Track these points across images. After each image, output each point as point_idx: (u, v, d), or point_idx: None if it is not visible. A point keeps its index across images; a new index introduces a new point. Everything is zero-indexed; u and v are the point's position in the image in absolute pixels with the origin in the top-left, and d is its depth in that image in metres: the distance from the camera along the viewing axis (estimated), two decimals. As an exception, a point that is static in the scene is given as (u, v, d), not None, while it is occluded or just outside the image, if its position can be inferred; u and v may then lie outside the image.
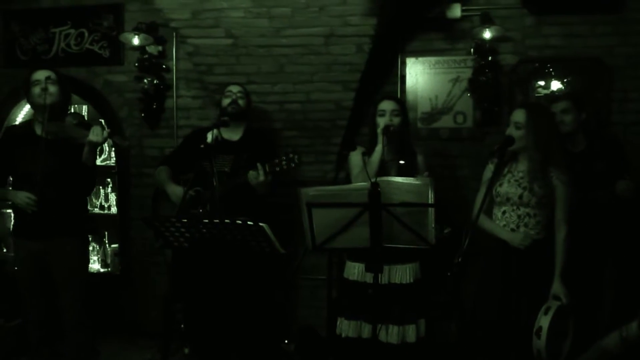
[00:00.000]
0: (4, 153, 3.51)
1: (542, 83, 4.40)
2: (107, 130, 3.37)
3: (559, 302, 2.99)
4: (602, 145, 3.70)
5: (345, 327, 3.39)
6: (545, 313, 2.91)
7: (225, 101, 3.86)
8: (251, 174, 3.45)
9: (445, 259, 3.02)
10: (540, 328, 2.87)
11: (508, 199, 3.19)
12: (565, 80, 4.37)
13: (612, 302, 3.73)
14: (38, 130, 3.40)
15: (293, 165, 3.40)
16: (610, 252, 3.73)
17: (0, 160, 3.53)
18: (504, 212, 3.22)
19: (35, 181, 3.27)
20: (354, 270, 3.40)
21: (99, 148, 3.93)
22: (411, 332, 3.30)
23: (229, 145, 3.82)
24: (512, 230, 3.17)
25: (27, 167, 3.34)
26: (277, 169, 3.41)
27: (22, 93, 3.59)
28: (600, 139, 3.76)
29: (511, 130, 3.17)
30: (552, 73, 4.39)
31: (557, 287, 3.05)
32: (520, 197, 3.15)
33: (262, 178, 3.42)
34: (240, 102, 3.86)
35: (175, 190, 3.70)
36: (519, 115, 3.17)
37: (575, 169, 3.35)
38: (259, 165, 3.42)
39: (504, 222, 3.21)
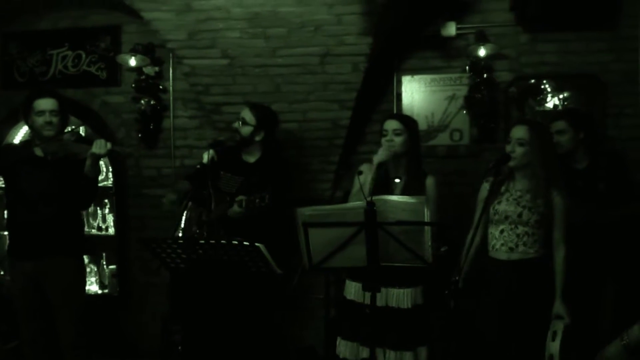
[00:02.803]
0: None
1: (537, 100, 4.42)
2: (109, 142, 3.36)
3: (562, 321, 2.95)
4: (606, 162, 3.65)
5: (343, 348, 3.35)
6: (553, 339, 2.86)
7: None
8: (232, 209, 3.42)
9: (443, 277, 3.00)
10: (551, 357, 2.82)
11: (507, 218, 3.13)
12: (560, 96, 4.39)
13: (612, 322, 3.68)
14: (37, 151, 3.42)
15: (263, 204, 3.28)
16: (609, 272, 3.69)
17: None
18: (502, 231, 3.15)
19: (30, 200, 3.30)
20: (352, 289, 3.36)
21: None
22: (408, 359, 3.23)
23: (244, 166, 3.71)
24: (511, 249, 3.11)
25: (23, 187, 3.35)
26: (251, 205, 3.32)
27: (20, 115, 3.60)
28: (603, 156, 3.71)
29: (513, 147, 3.10)
30: (548, 90, 4.41)
31: (558, 306, 3.00)
32: (520, 215, 3.10)
33: (239, 212, 3.39)
34: (243, 130, 3.66)
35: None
36: (520, 132, 3.11)
37: (577, 186, 3.32)
38: (238, 199, 3.37)
39: (502, 241, 3.14)
